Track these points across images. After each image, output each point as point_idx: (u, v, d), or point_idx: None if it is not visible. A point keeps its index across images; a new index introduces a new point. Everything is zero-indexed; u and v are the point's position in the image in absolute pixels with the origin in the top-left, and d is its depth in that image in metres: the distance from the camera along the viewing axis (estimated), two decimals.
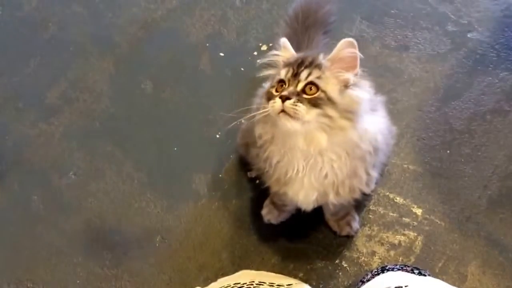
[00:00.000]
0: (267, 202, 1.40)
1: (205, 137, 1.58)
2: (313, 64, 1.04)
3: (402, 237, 1.40)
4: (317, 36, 1.44)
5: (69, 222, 1.49)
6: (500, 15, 1.73)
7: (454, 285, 1.13)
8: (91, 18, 1.84)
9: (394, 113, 1.46)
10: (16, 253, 1.45)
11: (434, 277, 1.27)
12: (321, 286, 1.35)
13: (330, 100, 1.01)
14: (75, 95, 1.69)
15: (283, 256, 1.39)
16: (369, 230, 1.42)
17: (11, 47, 1.81)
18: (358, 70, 1.04)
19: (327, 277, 1.36)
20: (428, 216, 1.42)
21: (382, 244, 1.40)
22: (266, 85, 1.13)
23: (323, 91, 1.01)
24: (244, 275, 1.33)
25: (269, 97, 1.05)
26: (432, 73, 1.63)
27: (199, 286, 1.28)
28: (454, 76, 1.62)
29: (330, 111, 1.01)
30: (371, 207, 1.44)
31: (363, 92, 1.04)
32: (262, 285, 1.16)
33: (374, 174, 1.17)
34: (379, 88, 1.16)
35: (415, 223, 1.42)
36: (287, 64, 1.06)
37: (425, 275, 1.22)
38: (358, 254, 1.39)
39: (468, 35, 1.69)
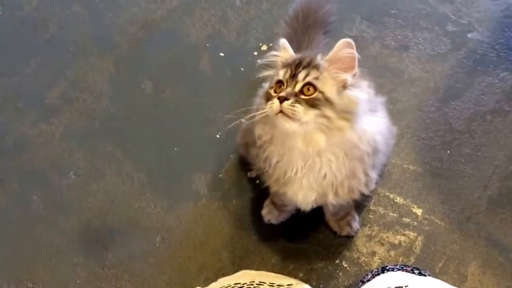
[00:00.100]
0: (267, 202, 1.40)
1: (205, 137, 1.58)
2: (311, 65, 1.04)
3: (402, 237, 1.40)
4: (317, 36, 1.44)
5: (69, 222, 1.49)
6: (500, 15, 1.73)
7: (454, 285, 1.13)
8: (91, 18, 1.84)
9: (394, 113, 1.46)
10: (16, 253, 1.45)
11: (434, 277, 1.26)
12: (321, 286, 1.35)
13: (327, 101, 1.01)
14: (75, 95, 1.69)
15: (283, 256, 1.39)
16: (369, 230, 1.42)
17: (11, 47, 1.81)
18: (357, 70, 1.04)
19: (327, 277, 1.36)
20: (428, 216, 1.42)
21: (382, 244, 1.40)
22: (266, 85, 1.13)
23: (321, 92, 1.01)
24: (244, 275, 1.33)
25: (268, 97, 1.05)
26: (432, 73, 1.63)
27: (199, 286, 1.28)
28: (454, 76, 1.62)
29: (328, 111, 1.01)
30: (371, 207, 1.44)
31: (361, 93, 1.04)
32: (262, 285, 1.16)
33: (373, 175, 1.17)
34: (379, 88, 1.16)
35: (415, 223, 1.42)
36: (286, 65, 1.06)
37: (425, 275, 1.22)
38: (358, 254, 1.39)
39: (468, 35, 1.69)
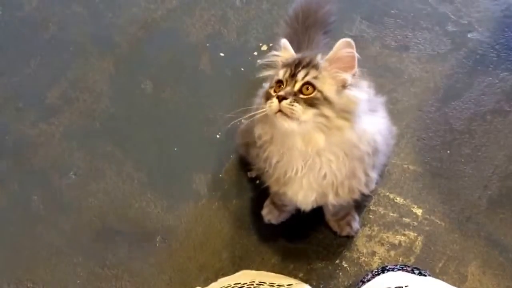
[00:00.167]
0: (267, 202, 1.40)
1: (205, 137, 1.58)
2: (310, 64, 1.04)
3: (402, 237, 1.40)
4: (317, 36, 1.44)
5: (69, 222, 1.49)
6: (500, 15, 1.73)
7: (454, 285, 1.13)
8: (91, 18, 1.84)
9: (394, 113, 1.46)
10: (16, 253, 1.45)
11: (434, 277, 1.26)
12: (321, 286, 1.35)
13: (326, 100, 1.01)
14: (75, 95, 1.69)
15: (283, 256, 1.39)
16: (369, 230, 1.42)
17: (11, 47, 1.81)
18: (356, 70, 1.04)
19: (327, 277, 1.36)
20: (428, 216, 1.42)
21: (382, 244, 1.40)
22: (266, 85, 1.13)
23: (320, 91, 1.01)
24: (245, 275, 1.33)
25: (267, 97, 1.05)
26: (432, 73, 1.63)
27: (199, 286, 1.28)
28: (454, 76, 1.62)
29: (327, 111, 1.01)
30: (371, 207, 1.44)
31: (361, 93, 1.04)
32: (263, 285, 1.16)
33: (374, 175, 1.17)
34: (379, 88, 1.16)
35: (415, 223, 1.42)
36: (286, 65, 1.07)
37: (425, 275, 1.22)
38: (358, 254, 1.39)
39: (468, 35, 1.69)
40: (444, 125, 1.54)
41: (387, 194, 1.46)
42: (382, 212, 1.44)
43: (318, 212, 1.32)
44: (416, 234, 1.40)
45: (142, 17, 1.82)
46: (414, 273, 1.24)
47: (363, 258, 1.38)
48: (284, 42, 1.12)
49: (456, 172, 1.48)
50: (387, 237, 1.41)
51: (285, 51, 1.11)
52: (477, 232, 1.40)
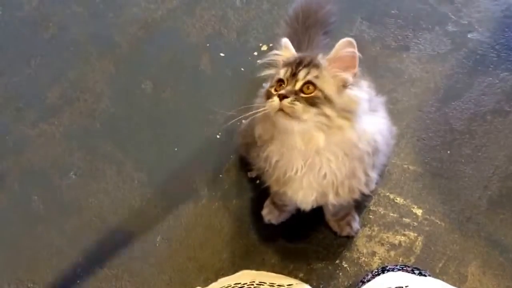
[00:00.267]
0: (267, 202, 1.40)
1: (205, 137, 1.58)
2: (311, 64, 1.04)
3: (402, 237, 1.40)
4: (318, 36, 1.44)
5: (69, 222, 1.49)
6: (501, 15, 1.73)
7: (454, 285, 1.13)
8: (91, 18, 1.84)
9: (394, 113, 1.46)
10: (17, 253, 1.45)
11: (435, 277, 1.26)
12: (321, 286, 1.35)
13: (327, 99, 1.01)
14: (76, 95, 1.69)
15: (284, 256, 1.39)
16: (369, 231, 1.42)
17: (12, 47, 1.81)
18: (357, 70, 1.04)
19: (328, 278, 1.36)
20: (428, 217, 1.42)
21: (383, 244, 1.40)
22: (267, 85, 1.13)
23: (321, 90, 1.01)
24: (245, 275, 1.33)
25: (268, 96, 1.05)
26: (433, 73, 1.63)
27: (199, 286, 1.28)
28: (454, 77, 1.62)
29: (328, 110, 1.01)
30: (371, 208, 1.44)
31: (362, 92, 1.04)
32: (263, 285, 1.16)
33: (374, 175, 1.17)
34: (379, 89, 1.16)
35: (415, 224, 1.41)
36: (286, 64, 1.07)
37: (425, 276, 1.22)
38: (358, 254, 1.39)
39: (469, 36, 1.69)
40: (444, 125, 1.54)
41: (387, 194, 1.46)
42: (382, 212, 1.44)
43: (318, 212, 1.32)
44: (416, 234, 1.40)
45: (142, 17, 1.82)
46: (414, 273, 1.24)
47: (363, 258, 1.38)
48: (285, 41, 1.12)
49: (456, 172, 1.48)
50: (387, 237, 1.41)
51: (286, 50, 1.11)
52: (477, 233, 1.39)
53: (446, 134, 1.53)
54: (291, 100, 1.00)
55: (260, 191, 1.37)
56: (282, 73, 1.05)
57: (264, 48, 1.71)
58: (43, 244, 1.46)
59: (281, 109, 1.01)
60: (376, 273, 1.28)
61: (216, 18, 1.80)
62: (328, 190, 1.13)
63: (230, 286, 1.18)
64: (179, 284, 1.38)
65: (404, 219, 1.42)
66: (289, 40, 1.13)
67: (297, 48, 1.20)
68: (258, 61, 1.55)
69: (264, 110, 1.03)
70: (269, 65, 1.13)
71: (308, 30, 1.42)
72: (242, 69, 1.68)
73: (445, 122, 1.55)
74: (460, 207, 1.43)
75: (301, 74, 1.03)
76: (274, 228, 1.41)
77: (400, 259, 1.38)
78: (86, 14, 1.85)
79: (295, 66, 1.04)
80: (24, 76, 1.74)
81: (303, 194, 1.15)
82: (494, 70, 1.62)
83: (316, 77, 1.02)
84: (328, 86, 1.02)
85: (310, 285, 1.27)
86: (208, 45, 1.75)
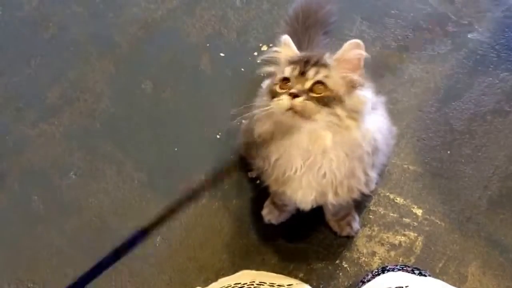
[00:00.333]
0: (267, 202, 1.40)
1: (205, 137, 1.58)
2: (319, 63, 1.03)
3: (402, 237, 1.40)
4: (318, 36, 1.44)
5: (69, 222, 1.49)
6: (501, 15, 1.73)
7: (454, 285, 1.13)
8: (91, 18, 1.84)
9: (394, 114, 1.46)
10: (17, 253, 1.45)
11: (435, 277, 1.26)
12: (321, 287, 1.35)
13: (338, 99, 1.01)
14: (76, 95, 1.69)
15: (284, 256, 1.39)
16: (369, 231, 1.42)
17: (12, 47, 1.81)
18: (363, 71, 1.04)
19: (328, 278, 1.36)
20: (428, 217, 1.42)
21: (383, 244, 1.40)
22: (265, 83, 1.12)
23: (331, 90, 1.01)
24: (245, 275, 1.33)
25: (273, 94, 1.04)
26: (433, 73, 1.63)
27: (199, 286, 1.28)
28: (454, 77, 1.62)
29: (339, 110, 1.01)
30: (371, 208, 1.44)
31: (368, 93, 1.05)
32: (263, 285, 1.16)
33: (373, 174, 1.17)
34: (379, 88, 1.16)
35: (416, 224, 1.42)
36: (292, 62, 1.05)
37: (425, 276, 1.22)
38: (358, 254, 1.39)
39: (469, 36, 1.69)
40: (444, 125, 1.54)
41: (387, 194, 1.46)
42: (382, 212, 1.44)
43: (318, 212, 1.32)
44: (416, 235, 1.40)
45: (142, 17, 1.82)
46: (414, 273, 1.24)
47: (363, 258, 1.38)
48: (286, 38, 1.11)
49: (456, 172, 1.48)
50: (387, 237, 1.41)
51: (287, 47, 1.10)
52: (477, 233, 1.40)
53: (446, 134, 1.53)
54: (304, 100, 1.00)
55: (260, 191, 1.37)
56: (288, 71, 1.04)
57: (264, 48, 1.71)
58: (43, 244, 1.46)
59: (291, 108, 1.00)
60: (376, 273, 1.28)
61: (216, 18, 1.80)
62: (327, 189, 1.13)
63: (230, 286, 1.18)
64: (179, 284, 1.38)
65: (404, 219, 1.42)
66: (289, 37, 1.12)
67: (297, 48, 1.19)
68: (258, 56, 1.56)
69: (269, 108, 1.02)
70: (269, 62, 1.12)
71: (308, 30, 1.42)
72: (242, 69, 1.68)
73: (445, 122, 1.55)
74: (460, 207, 1.43)
75: (311, 73, 1.02)
76: (274, 228, 1.41)
77: (400, 259, 1.38)
78: (86, 14, 1.85)
79: (303, 64, 1.03)
80: (24, 76, 1.74)
81: (302, 194, 1.15)
82: (494, 70, 1.62)
83: (326, 76, 1.02)
84: (338, 86, 1.02)
85: (310, 285, 1.27)
86: (208, 45, 1.75)
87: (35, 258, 1.44)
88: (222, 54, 1.73)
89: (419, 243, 1.39)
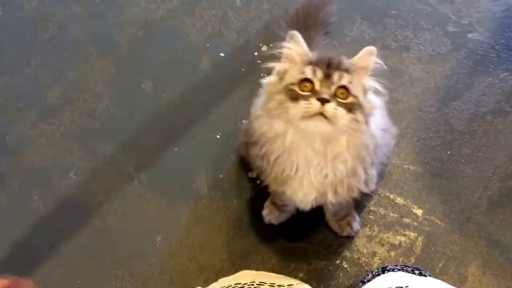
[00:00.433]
0: (267, 202, 1.40)
1: (205, 137, 1.58)
2: (341, 67, 1.02)
3: (402, 237, 1.40)
4: (318, 36, 1.44)
5: (69, 222, 1.48)
6: (501, 15, 1.73)
7: (454, 285, 1.13)
8: (91, 18, 1.84)
9: (394, 114, 1.46)
10: (16, 253, 1.45)
11: (435, 277, 1.26)
12: (321, 287, 1.35)
13: (359, 105, 1.01)
14: (76, 95, 1.69)
15: (284, 256, 1.39)
16: (369, 231, 1.42)
17: (11, 47, 1.81)
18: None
19: (328, 278, 1.36)
20: (428, 217, 1.42)
21: (383, 244, 1.40)
22: (267, 80, 1.10)
23: (355, 96, 1.01)
24: (245, 275, 1.33)
25: (295, 96, 1.00)
26: (433, 73, 1.63)
27: (199, 286, 1.28)
28: (454, 77, 1.62)
29: (359, 116, 1.01)
30: (371, 208, 1.44)
31: (376, 97, 1.06)
32: (263, 285, 1.16)
33: (373, 172, 1.17)
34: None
35: (416, 224, 1.42)
36: (311, 63, 1.02)
37: (425, 276, 1.22)
38: (358, 254, 1.39)
39: (469, 36, 1.69)
40: (444, 125, 1.54)
41: (388, 194, 1.46)
42: (382, 213, 1.44)
43: (318, 212, 1.32)
44: (416, 235, 1.40)
45: (142, 17, 1.82)
46: (414, 273, 1.24)
47: (364, 259, 1.38)
48: (295, 34, 1.06)
49: (456, 172, 1.48)
50: (387, 237, 1.41)
51: (296, 44, 1.06)
52: (477, 233, 1.40)
53: (446, 134, 1.53)
54: (335, 106, 0.98)
55: (260, 191, 1.37)
56: (309, 72, 1.01)
57: (264, 48, 1.71)
58: (43, 244, 1.46)
59: (320, 113, 0.98)
60: (376, 273, 1.28)
61: (216, 18, 1.80)
62: (327, 189, 1.13)
63: (230, 286, 1.18)
64: (180, 284, 1.38)
65: (404, 219, 1.43)
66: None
67: None
68: (259, 57, 1.55)
69: (299, 112, 0.99)
70: (274, 57, 1.09)
71: (308, 30, 1.42)
72: (242, 69, 1.68)
73: (445, 122, 1.55)
74: (460, 207, 1.43)
75: (335, 77, 1.00)
76: (274, 228, 1.41)
77: (400, 259, 1.38)
78: (86, 14, 1.85)
79: (325, 67, 1.01)
80: (24, 76, 1.74)
81: (303, 194, 1.14)
82: (494, 70, 1.62)
83: (350, 82, 1.01)
84: (358, 92, 1.02)
85: (310, 285, 1.27)
86: (208, 45, 1.75)
87: (35, 258, 1.44)
88: (222, 54, 1.73)
89: (419, 243, 1.39)
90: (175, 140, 1.59)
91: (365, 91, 1.04)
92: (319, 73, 1.01)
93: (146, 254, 1.42)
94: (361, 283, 1.28)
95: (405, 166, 1.49)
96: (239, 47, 1.73)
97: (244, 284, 1.17)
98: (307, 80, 1.01)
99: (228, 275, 1.36)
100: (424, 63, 1.65)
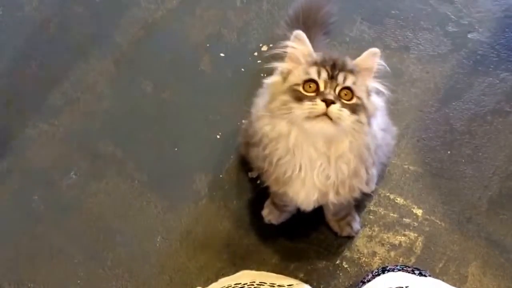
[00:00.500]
0: (267, 202, 1.40)
1: (205, 137, 1.58)
2: (346, 69, 1.02)
3: (402, 237, 1.40)
4: (318, 36, 1.44)
5: (69, 222, 1.48)
6: (501, 15, 1.73)
7: (454, 285, 1.13)
8: (91, 18, 1.84)
9: (394, 114, 1.46)
10: (17, 253, 1.45)
11: (435, 277, 1.27)
12: (321, 287, 1.35)
13: (363, 107, 1.02)
14: (76, 95, 1.69)
15: (284, 257, 1.39)
16: (369, 231, 1.42)
17: (11, 47, 1.81)
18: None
19: (328, 278, 1.36)
20: (428, 217, 1.42)
21: (383, 244, 1.40)
22: (270, 80, 1.09)
23: (359, 98, 1.01)
24: (245, 276, 1.33)
25: (299, 97, 1.00)
26: (433, 73, 1.63)
27: (200, 286, 1.28)
28: (454, 77, 1.62)
29: (363, 117, 1.01)
30: (371, 208, 1.44)
31: (378, 98, 1.06)
32: (263, 285, 1.16)
33: (374, 172, 1.17)
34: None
35: (416, 224, 1.42)
36: (316, 63, 1.02)
37: (425, 276, 1.22)
38: (358, 254, 1.39)
39: (469, 36, 1.69)
40: (444, 125, 1.54)
41: (388, 194, 1.46)
42: (382, 213, 1.44)
43: (318, 212, 1.32)
44: (416, 235, 1.40)
45: (142, 17, 1.82)
46: (414, 273, 1.24)
47: (364, 259, 1.38)
48: (299, 33, 1.05)
49: (456, 172, 1.48)
50: (388, 237, 1.41)
51: (301, 43, 1.05)
52: (477, 233, 1.40)
53: (446, 134, 1.53)
54: (340, 107, 0.98)
55: (260, 191, 1.37)
56: (314, 73, 1.01)
57: (264, 48, 1.71)
58: (43, 244, 1.46)
59: (324, 114, 0.98)
60: (376, 274, 1.28)
61: (216, 18, 1.80)
62: (329, 189, 1.13)
63: (230, 286, 1.18)
64: (180, 284, 1.38)
65: (404, 219, 1.43)
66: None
67: None
68: (259, 57, 1.55)
69: (304, 112, 0.99)
70: (276, 57, 1.09)
71: (308, 31, 1.41)
72: (242, 69, 1.68)
73: (445, 123, 1.55)
74: (460, 207, 1.43)
75: (340, 78, 1.01)
76: (275, 228, 1.41)
77: (401, 259, 1.38)
78: (87, 14, 1.85)
79: (330, 68, 1.01)
80: (24, 76, 1.74)
81: (305, 194, 1.14)
82: (494, 70, 1.62)
83: (354, 83, 1.01)
84: (362, 93, 1.02)
85: (311, 285, 1.27)
86: (208, 45, 1.75)
87: (35, 258, 1.44)
88: (222, 54, 1.73)
89: (419, 243, 1.39)
90: (175, 140, 1.59)
91: (368, 93, 1.04)
92: (324, 74, 1.01)
93: (146, 254, 1.42)
94: (361, 283, 1.28)
95: (405, 166, 1.49)
96: (239, 47, 1.73)
97: (244, 284, 1.17)
98: (311, 80, 1.01)
99: (228, 275, 1.36)
100: (424, 63, 1.65)
